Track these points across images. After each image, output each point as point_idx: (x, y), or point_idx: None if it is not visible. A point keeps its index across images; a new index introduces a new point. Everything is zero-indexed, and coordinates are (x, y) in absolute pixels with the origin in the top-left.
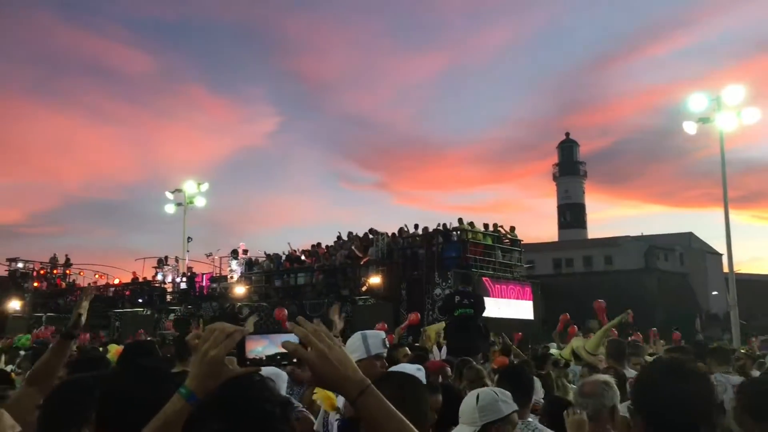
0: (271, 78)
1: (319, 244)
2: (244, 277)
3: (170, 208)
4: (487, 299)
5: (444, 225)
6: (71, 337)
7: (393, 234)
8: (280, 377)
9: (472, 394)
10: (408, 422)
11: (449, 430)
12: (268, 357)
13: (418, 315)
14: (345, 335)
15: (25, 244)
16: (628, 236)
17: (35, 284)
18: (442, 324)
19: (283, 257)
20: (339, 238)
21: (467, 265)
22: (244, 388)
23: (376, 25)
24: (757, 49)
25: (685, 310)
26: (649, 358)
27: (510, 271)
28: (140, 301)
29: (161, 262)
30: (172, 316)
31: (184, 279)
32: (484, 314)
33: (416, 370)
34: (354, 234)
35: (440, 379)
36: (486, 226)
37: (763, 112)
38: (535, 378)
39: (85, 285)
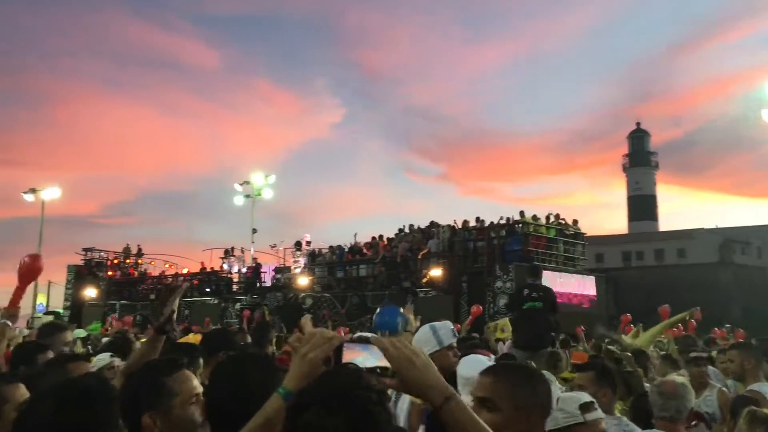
0: (336, 69)
1: (381, 236)
2: (308, 268)
3: (239, 200)
4: None
5: (508, 219)
6: (164, 333)
7: (453, 226)
8: None
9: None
10: (489, 429)
11: None
12: (368, 369)
13: (480, 307)
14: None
15: (100, 235)
16: (703, 228)
17: (109, 273)
18: (506, 320)
19: (346, 249)
20: (400, 230)
21: (529, 257)
22: (340, 378)
23: (442, 14)
24: None
25: (762, 305)
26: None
27: (573, 264)
28: (208, 290)
29: (227, 253)
30: (237, 306)
31: (250, 269)
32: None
33: (488, 360)
34: (415, 226)
35: None
36: (548, 218)
37: None
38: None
39: (154, 274)
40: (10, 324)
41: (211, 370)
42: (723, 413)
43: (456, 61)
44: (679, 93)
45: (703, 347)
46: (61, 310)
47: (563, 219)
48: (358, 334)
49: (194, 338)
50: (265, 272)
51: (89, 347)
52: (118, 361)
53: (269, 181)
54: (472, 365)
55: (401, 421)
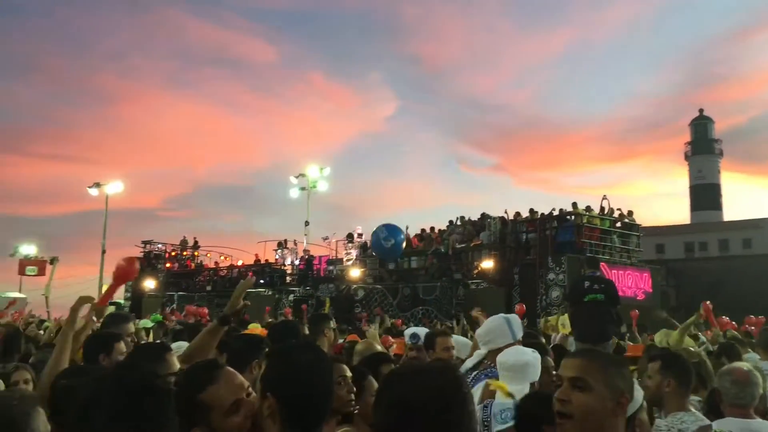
0: (389, 62)
1: (432, 228)
2: (359, 260)
3: (294, 193)
4: None
5: (560, 210)
6: (227, 324)
7: (504, 218)
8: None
9: None
10: None
11: None
12: None
13: (523, 306)
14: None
15: (161, 228)
16: None
17: (167, 265)
18: (566, 315)
19: None
20: (451, 222)
21: (582, 249)
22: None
23: (495, 5)
24: None
25: None
26: None
27: (628, 256)
28: (262, 282)
29: (281, 245)
30: (291, 297)
31: (303, 261)
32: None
33: (530, 351)
34: (466, 218)
35: None
36: (602, 209)
37: None
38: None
39: (210, 266)
40: (95, 319)
41: (267, 362)
42: None
43: (510, 51)
44: (744, 77)
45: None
46: (122, 301)
47: (619, 209)
48: (410, 329)
49: (256, 329)
50: (318, 264)
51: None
52: None
53: (324, 174)
54: (514, 354)
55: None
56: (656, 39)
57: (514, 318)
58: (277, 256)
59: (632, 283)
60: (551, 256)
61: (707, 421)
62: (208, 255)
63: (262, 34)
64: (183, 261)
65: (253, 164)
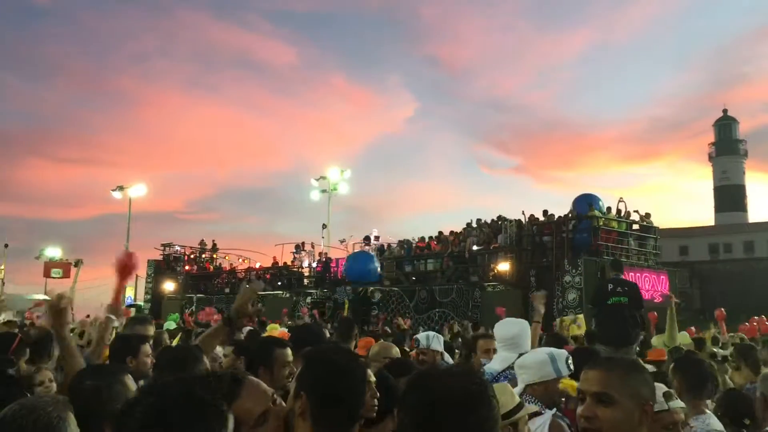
0: (409, 64)
1: (451, 231)
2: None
3: (315, 195)
4: None
5: (572, 211)
6: (231, 325)
7: (520, 220)
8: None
9: None
10: None
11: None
12: None
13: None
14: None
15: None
16: None
17: (186, 267)
18: (581, 315)
19: (414, 243)
20: (468, 224)
21: (598, 252)
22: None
23: (514, 5)
24: None
25: None
26: None
27: (645, 258)
28: (279, 284)
29: (298, 248)
30: (308, 299)
31: (320, 264)
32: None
33: (523, 324)
34: (483, 221)
35: None
36: (619, 212)
37: None
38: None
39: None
40: (114, 318)
41: (303, 362)
42: None
43: (530, 52)
44: None
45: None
46: (141, 303)
47: (636, 211)
48: (420, 335)
49: (275, 331)
50: (335, 267)
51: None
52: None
53: (344, 176)
54: (507, 326)
55: None
56: (678, 38)
57: (561, 355)
58: (294, 259)
59: (650, 286)
60: (567, 259)
61: (719, 427)
62: (227, 257)
63: (283, 37)
64: (202, 263)
65: (275, 167)
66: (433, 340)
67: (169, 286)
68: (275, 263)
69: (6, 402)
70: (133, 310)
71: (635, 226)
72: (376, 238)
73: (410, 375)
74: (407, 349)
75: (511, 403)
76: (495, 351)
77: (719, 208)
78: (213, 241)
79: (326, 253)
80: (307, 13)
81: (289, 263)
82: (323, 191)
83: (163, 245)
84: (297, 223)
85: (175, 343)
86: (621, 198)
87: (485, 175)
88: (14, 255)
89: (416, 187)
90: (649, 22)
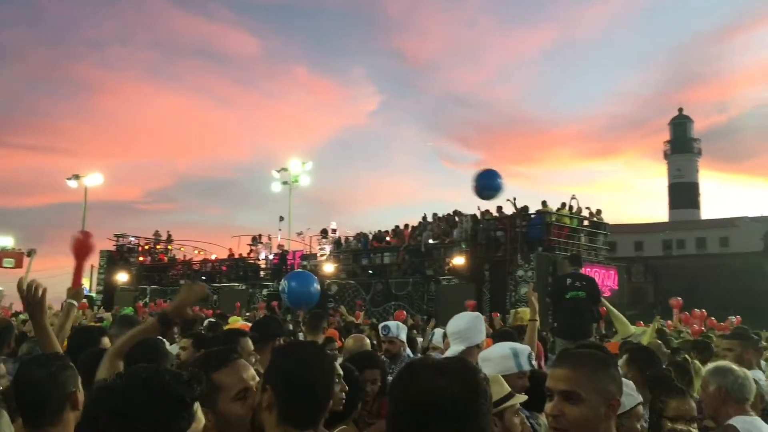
0: (373, 57)
1: (406, 225)
2: (333, 256)
3: (276, 187)
4: None
5: (526, 208)
6: (166, 325)
7: (475, 215)
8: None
9: None
10: None
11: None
12: None
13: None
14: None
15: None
16: (746, 217)
17: (140, 258)
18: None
19: (370, 237)
20: (424, 218)
21: (550, 247)
22: (449, 357)
23: (478, 0)
24: None
25: None
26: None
27: (595, 254)
28: (235, 276)
29: (255, 240)
30: (265, 292)
31: (276, 256)
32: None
33: (474, 316)
34: (438, 215)
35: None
36: (570, 208)
37: None
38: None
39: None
40: (75, 304)
41: (271, 356)
42: None
43: (493, 48)
44: (725, 78)
45: None
46: (94, 294)
47: (587, 208)
48: (383, 323)
49: (237, 323)
50: (292, 259)
51: None
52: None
53: (306, 168)
54: (456, 320)
55: None
56: (638, 37)
57: (524, 350)
58: (251, 251)
59: (600, 281)
60: (521, 254)
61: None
62: (182, 249)
63: (245, 27)
64: (156, 255)
65: (236, 158)
66: (401, 329)
67: (122, 277)
68: (231, 255)
69: None
70: (85, 301)
71: (586, 223)
72: (333, 231)
73: (404, 366)
74: None
75: (501, 393)
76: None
77: (673, 205)
78: (168, 232)
79: (283, 246)
80: (270, 3)
81: (245, 255)
82: (284, 183)
83: (116, 236)
84: (257, 215)
85: None
86: (573, 195)
87: (448, 169)
88: None
89: (379, 180)
90: (610, 20)
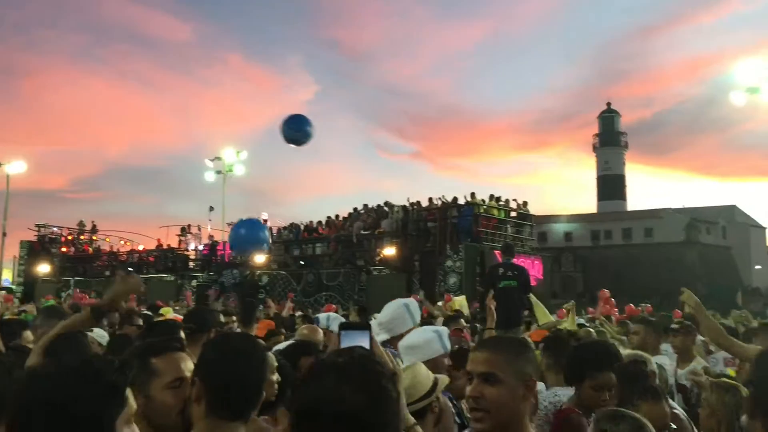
0: (309, 46)
1: (337, 215)
2: None
3: (210, 176)
4: None
5: (455, 199)
6: (100, 317)
7: (406, 206)
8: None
9: None
10: None
11: None
12: None
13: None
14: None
15: (68, 210)
16: (670, 209)
17: (63, 249)
18: (463, 298)
19: (302, 227)
20: (355, 209)
21: (479, 238)
22: (356, 353)
23: None
24: None
25: (726, 283)
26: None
27: (521, 244)
28: (164, 267)
29: (184, 230)
30: (194, 282)
31: (206, 247)
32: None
33: (432, 331)
34: (370, 206)
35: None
36: (497, 199)
37: None
38: None
39: (110, 250)
40: None
41: (201, 348)
42: None
43: (428, 39)
44: (651, 74)
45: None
46: (14, 286)
47: (515, 200)
48: (320, 314)
49: (169, 314)
50: (222, 250)
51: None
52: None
53: (241, 158)
54: (419, 334)
55: None
56: (569, 33)
57: (413, 303)
58: (180, 241)
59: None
60: (450, 244)
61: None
62: (107, 239)
63: (177, 12)
64: (80, 245)
65: (168, 146)
66: (333, 321)
67: (43, 268)
68: (159, 246)
69: None
70: (3, 293)
71: (513, 214)
72: (265, 221)
73: (311, 364)
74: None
75: (428, 383)
76: None
77: (601, 196)
78: (93, 222)
79: (213, 236)
80: None
81: (174, 246)
82: (218, 172)
83: (37, 226)
84: (190, 205)
85: None
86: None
87: (383, 160)
88: None
89: (314, 170)
90: (543, 15)
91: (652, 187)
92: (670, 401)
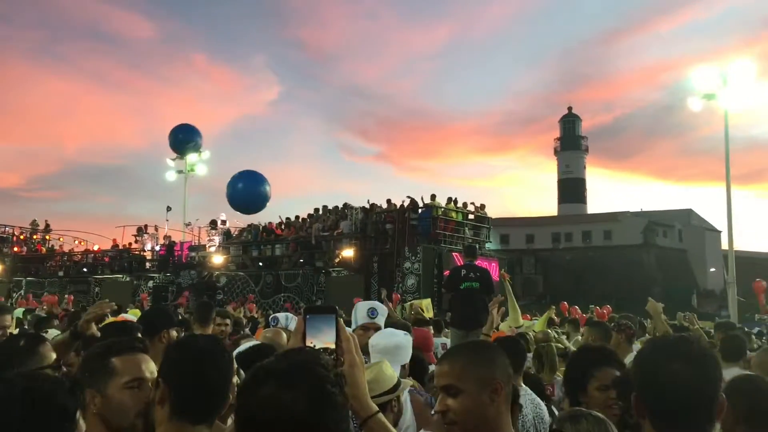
0: (273, 46)
1: (297, 217)
2: (222, 247)
3: (171, 176)
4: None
5: (413, 201)
6: (78, 338)
7: (365, 208)
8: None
9: None
10: None
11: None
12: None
13: (398, 295)
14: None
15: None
16: (628, 212)
17: (15, 249)
18: (428, 300)
19: (260, 228)
20: (315, 210)
21: (437, 240)
22: (301, 355)
23: None
24: (764, 26)
25: (682, 286)
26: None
27: (478, 247)
28: (119, 268)
29: (141, 231)
30: (150, 283)
31: (163, 247)
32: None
33: (404, 335)
34: (328, 207)
35: None
36: (455, 202)
37: None
38: None
39: (64, 250)
40: None
41: (163, 350)
42: None
43: (393, 41)
44: (611, 79)
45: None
46: None
47: (472, 203)
48: (272, 316)
49: (135, 315)
50: (180, 250)
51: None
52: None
53: (203, 157)
54: (385, 336)
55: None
56: (532, 38)
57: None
58: (137, 241)
59: None
60: (408, 246)
61: (537, 399)
62: (61, 239)
63: (139, 9)
64: (33, 245)
65: (129, 144)
66: (291, 320)
67: None
68: (115, 246)
69: None
70: None
71: (471, 217)
72: (223, 222)
73: (252, 370)
74: None
75: (392, 381)
76: None
77: (562, 199)
78: (46, 221)
79: (170, 237)
80: None
81: (130, 246)
82: (180, 172)
83: None
84: (150, 205)
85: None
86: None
87: (347, 162)
88: None
89: (277, 171)
90: (507, 19)
91: (612, 190)
92: None
